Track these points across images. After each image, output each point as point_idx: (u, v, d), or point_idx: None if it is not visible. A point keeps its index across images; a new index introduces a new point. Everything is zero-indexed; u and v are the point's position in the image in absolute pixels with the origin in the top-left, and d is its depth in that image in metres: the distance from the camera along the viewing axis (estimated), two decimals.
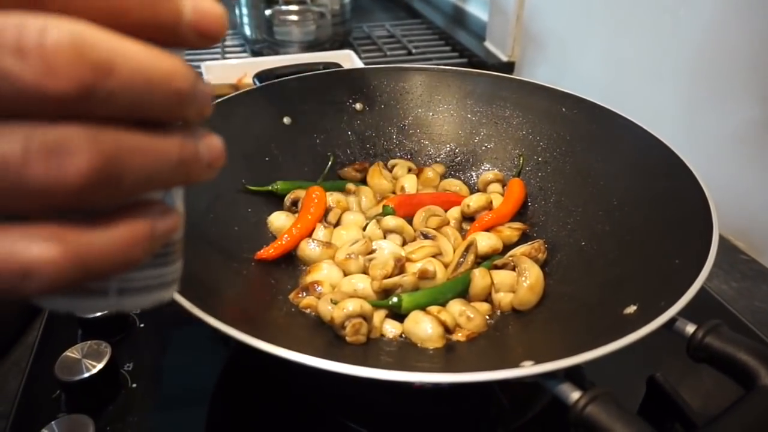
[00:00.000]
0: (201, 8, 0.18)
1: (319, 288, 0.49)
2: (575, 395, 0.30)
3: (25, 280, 0.15)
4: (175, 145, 0.18)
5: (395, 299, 0.47)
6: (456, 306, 0.48)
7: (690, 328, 0.34)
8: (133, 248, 0.18)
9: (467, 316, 0.47)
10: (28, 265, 0.15)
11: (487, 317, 0.49)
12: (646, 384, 0.45)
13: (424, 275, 0.50)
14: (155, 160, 0.17)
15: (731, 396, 0.32)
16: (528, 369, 0.31)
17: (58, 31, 0.14)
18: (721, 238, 0.40)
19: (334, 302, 0.45)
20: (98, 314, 0.52)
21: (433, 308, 0.47)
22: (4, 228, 0.15)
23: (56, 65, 0.14)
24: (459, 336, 0.46)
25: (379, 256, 0.51)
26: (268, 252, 0.54)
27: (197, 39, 0.18)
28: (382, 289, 0.48)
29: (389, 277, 0.49)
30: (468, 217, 0.61)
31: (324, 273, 0.51)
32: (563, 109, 0.63)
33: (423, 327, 0.45)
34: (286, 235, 0.56)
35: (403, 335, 0.46)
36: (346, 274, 0.51)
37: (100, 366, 0.46)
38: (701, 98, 0.77)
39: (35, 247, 0.15)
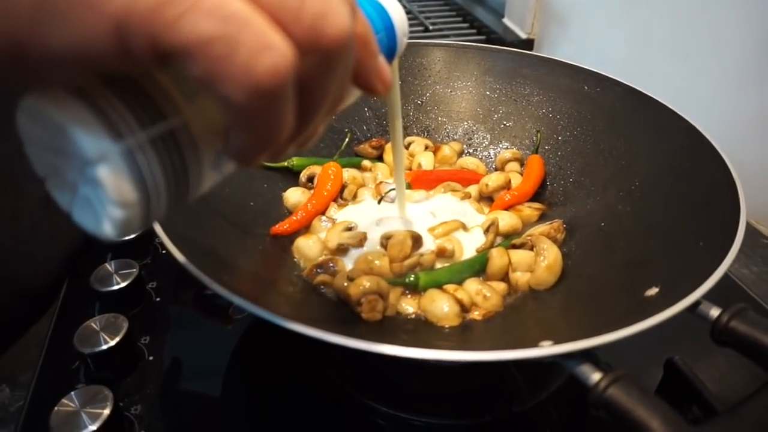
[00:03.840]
0: (385, 69, 0.27)
1: (333, 266, 0.49)
2: (596, 376, 0.29)
3: (264, 52, 0.19)
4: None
5: (412, 277, 0.47)
6: (473, 285, 0.47)
7: (714, 312, 0.34)
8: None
9: (484, 295, 0.46)
10: (271, 43, 0.19)
11: (504, 297, 0.48)
12: (664, 367, 0.44)
13: (442, 253, 0.49)
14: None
15: (748, 380, 0.31)
16: (548, 349, 0.31)
17: None
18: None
19: (351, 279, 0.45)
20: (114, 287, 0.52)
21: (450, 287, 0.47)
22: (271, 20, 0.20)
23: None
24: (475, 315, 0.46)
25: (396, 235, 0.51)
26: (283, 227, 0.54)
27: (374, 80, 0.27)
28: (403, 271, 0.48)
29: (408, 257, 0.48)
30: (485, 197, 0.60)
31: None
32: (585, 87, 0.61)
33: (439, 305, 0.45)
34: (301, 211, 0.55)
35: (419, 313, 0.46)
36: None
37: (117, 338, 0.47)
38: (729, 77, 0.75)
39: (281, 38, 0.19)
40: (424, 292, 0.47)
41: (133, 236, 0.59)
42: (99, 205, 0.22)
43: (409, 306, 0.46)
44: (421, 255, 0.49)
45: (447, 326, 0.44)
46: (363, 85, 0.27)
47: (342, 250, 0.51)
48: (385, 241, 0.50)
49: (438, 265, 0.50)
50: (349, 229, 0.52)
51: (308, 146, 0.28)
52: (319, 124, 0.26)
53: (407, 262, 0.48)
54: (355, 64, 0.25)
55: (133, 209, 0.22)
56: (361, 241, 0.51)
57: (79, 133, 0.20)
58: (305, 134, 0.25)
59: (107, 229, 0.23)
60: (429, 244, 0.51)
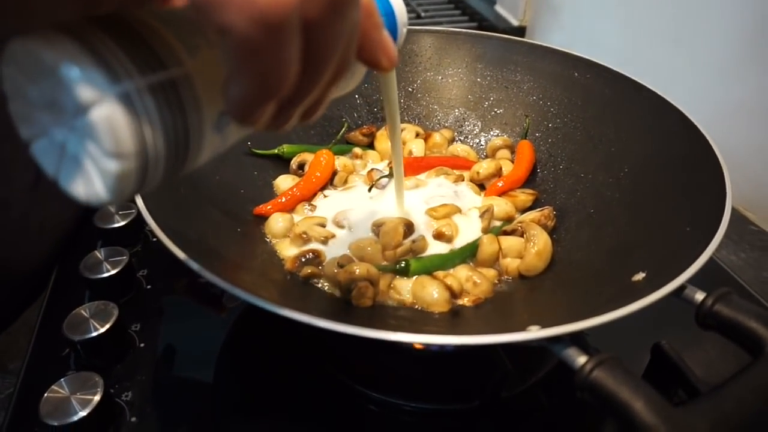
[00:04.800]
0: (390, 43, 0.27)
1: (315, 256, 0.49)
2: (582, 359, 0.30)
3: None
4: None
5: (403, 263, 0.47)
6: (463, 271, 0.47)
7: (699, 296, 0.34)
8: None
9: (474, 282, 0.46)
10: None
11: (495, 282, 0.49)
12: (651, 351, 0.45)
13: (439, 237, 0.50)
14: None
15: (734, 365, 0.32)
16: (534, 333, 0.31)
17: None
18: (732, 208, 0.40)
19: (341, 265, 0.45)
20: (104, 275, 0.52)
21: (440, 273, 0.47)
22: None
23: None
24: (465, 301, 0.46)
25: (387, 222, 0.51)
26: (266, 208, 0.54)
27: (378, 54, 0.27)
28: (395, 258, 0.48)
29: (400, 244, 0.48)
30: (476, 184, 0.60)
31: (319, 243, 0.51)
32: (575, 74, 0.61)
33: (429, 291, 0.45)
34: (286, 195, 0.55)
35: (410, 299, 0.46)
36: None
37: (107, 326, 0.47)
38: (719, 65, 0.75)
39: None
40: (415, 279, 0.47)
41: (123, 223, 0.59)
42: (91, 161, 0.20)
43: (399, 292, 0.46)
44: (413, 242, 0.49)
45: (437, 312, 0.45)
46: (368, 59, 0.26)
47: (305, 239, 0.51)
48: (377, 228, 0.50)
49: (435, 248, 0.50)
50: (323, 225, 0.52)
51: (312, 120, 0.28)
52: (325, 91, 0.25)
53: (399, 250, 0.48)
54: (360, 36, 0.24)
55: (129, 162, 0.20)
56: (326, 239, 0.51)
57: (72, 73, 0.18)
58: (310, 99, 0.24)
59: (99, 190, 0.21)
60: (421, 230, 0.51)
